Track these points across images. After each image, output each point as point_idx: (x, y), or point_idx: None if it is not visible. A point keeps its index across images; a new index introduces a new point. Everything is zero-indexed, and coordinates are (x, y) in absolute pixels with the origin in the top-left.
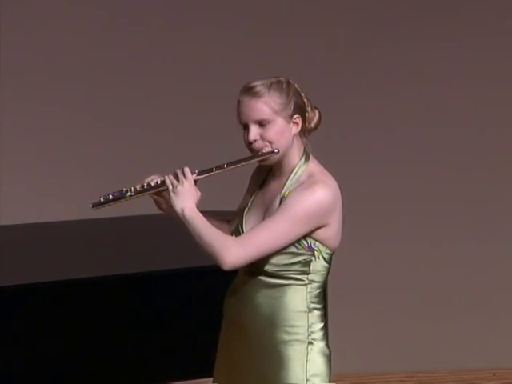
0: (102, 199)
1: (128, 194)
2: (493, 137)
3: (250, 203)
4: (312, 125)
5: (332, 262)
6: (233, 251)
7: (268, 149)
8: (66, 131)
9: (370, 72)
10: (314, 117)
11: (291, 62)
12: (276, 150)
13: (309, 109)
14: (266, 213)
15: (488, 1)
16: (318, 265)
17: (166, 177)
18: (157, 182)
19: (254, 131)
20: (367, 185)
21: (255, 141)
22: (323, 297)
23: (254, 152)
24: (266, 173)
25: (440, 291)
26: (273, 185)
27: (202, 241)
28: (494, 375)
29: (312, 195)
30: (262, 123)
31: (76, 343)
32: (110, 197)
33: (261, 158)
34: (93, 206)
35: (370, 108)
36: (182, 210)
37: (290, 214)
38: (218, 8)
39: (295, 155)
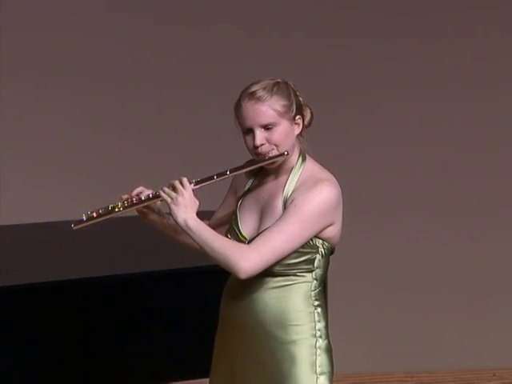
0: (84, 217)
1: (116, 209)
2: (494, 135)
3: (239, 203)
4: (306, 123)
5: (330, 258)
6: (249, 258)
7: (275, 152)
8: (67, 131)
9: (369, 70)
10: (307, 115)
11: (290, 62)
12: (286, 153)
13: (304, 107)
14: (265, 213)
15: (488, 1)
16: (321, 261)
17: (161, 190)
18: (149, 195)
19: (260, 135)
20: (368, 183)
21: (262, 145)
22: (324, 294)
23: (260, 156)
24: (255, 173)
25: (440, 291)
26: (268, 185)
27: (214, 250)
28: (494, 375)
29: (320, 194)
30: (267, 127)
31: (75, 343)
32: (94, 214)
33: (269, 162)
34: (74, 225)
35: (370, 105)
36: (185, 221)
37: (301, 214)
38: (219, 8)
39: (294, 155)
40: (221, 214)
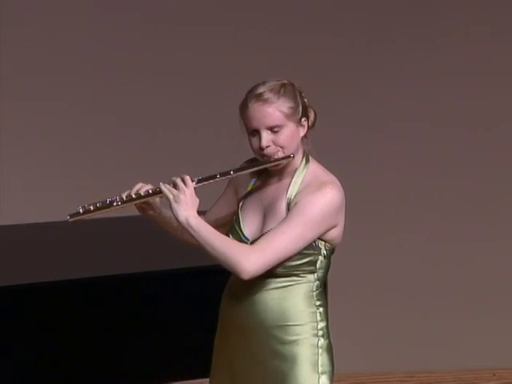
0: (81, 210)
1: (114, 203)
2: (493, 134)
3: (241, 204)
4: (309, 124)
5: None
6: (252, 258)
7: (281, 154)
8: (67, 131)
9: (370, 70)
10: (310, 116)
11: (290, 61)
12: (292, 155)
13: (308, 109)
14: (268, 214)
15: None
16: (323, 262)
17: (162, 185)
18: (148, 191)
19: (266, 137)
20: (368, 183)
21: (268, 147)
22: (324, 294)
23: (266, 158)
24: (258, 173)
25: (440, 291)
26: (272, 186)
27: (214, 249)
28: (494, 375)
29: (324, 196)
30: (273, 129)
31: (75, 343)
32: (91, 207)
33: (274, 164)
34: (70, 217)
35: (374, 105)
36: (187, 219)
37: (304, 216)
38: (220, 7)
39: (298, 157)
40: (217, 210)
